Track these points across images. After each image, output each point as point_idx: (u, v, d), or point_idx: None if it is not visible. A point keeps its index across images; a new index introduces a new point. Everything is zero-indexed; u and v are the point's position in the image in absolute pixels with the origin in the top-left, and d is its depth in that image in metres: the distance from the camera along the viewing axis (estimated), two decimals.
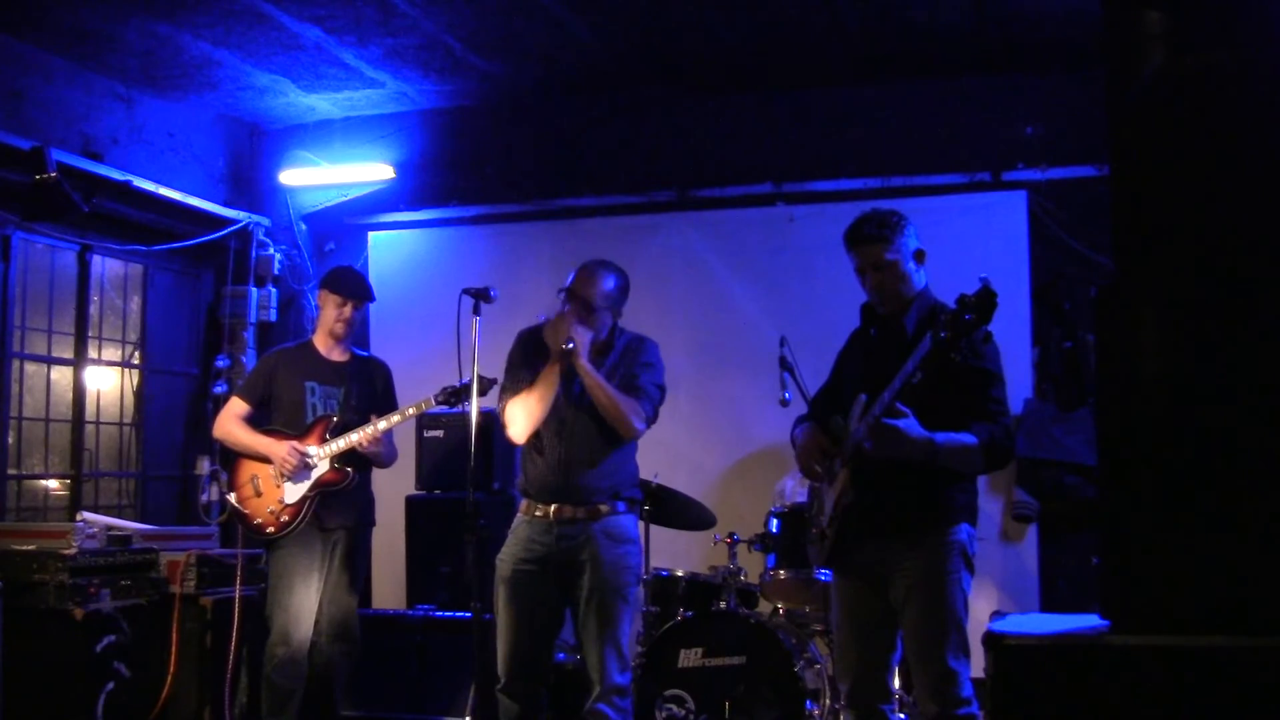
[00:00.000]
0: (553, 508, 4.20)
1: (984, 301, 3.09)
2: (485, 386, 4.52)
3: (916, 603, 3.52)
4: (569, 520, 4.18)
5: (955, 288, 3.24)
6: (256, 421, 5.05)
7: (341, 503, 4.96)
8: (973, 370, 3.45)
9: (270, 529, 4.90)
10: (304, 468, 4.89)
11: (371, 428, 4.84)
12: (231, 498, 5.00)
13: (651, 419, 4.27)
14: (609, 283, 4.27)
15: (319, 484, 4.89)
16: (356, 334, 5.37)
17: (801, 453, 3.80)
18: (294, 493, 4.89)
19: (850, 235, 3.74)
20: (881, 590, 3.61)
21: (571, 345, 4.10)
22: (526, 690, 4.23)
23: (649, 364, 4.33)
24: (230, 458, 5.13)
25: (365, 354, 5.30)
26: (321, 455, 4.90)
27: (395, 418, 4.88)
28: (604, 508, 4.21)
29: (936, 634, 3.48)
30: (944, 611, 3.49)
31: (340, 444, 4.89)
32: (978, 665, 3.08)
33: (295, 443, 4.90)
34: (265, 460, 4.93)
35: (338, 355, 5.11)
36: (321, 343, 5.11)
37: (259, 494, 4.94)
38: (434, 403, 4.77)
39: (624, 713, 4.16)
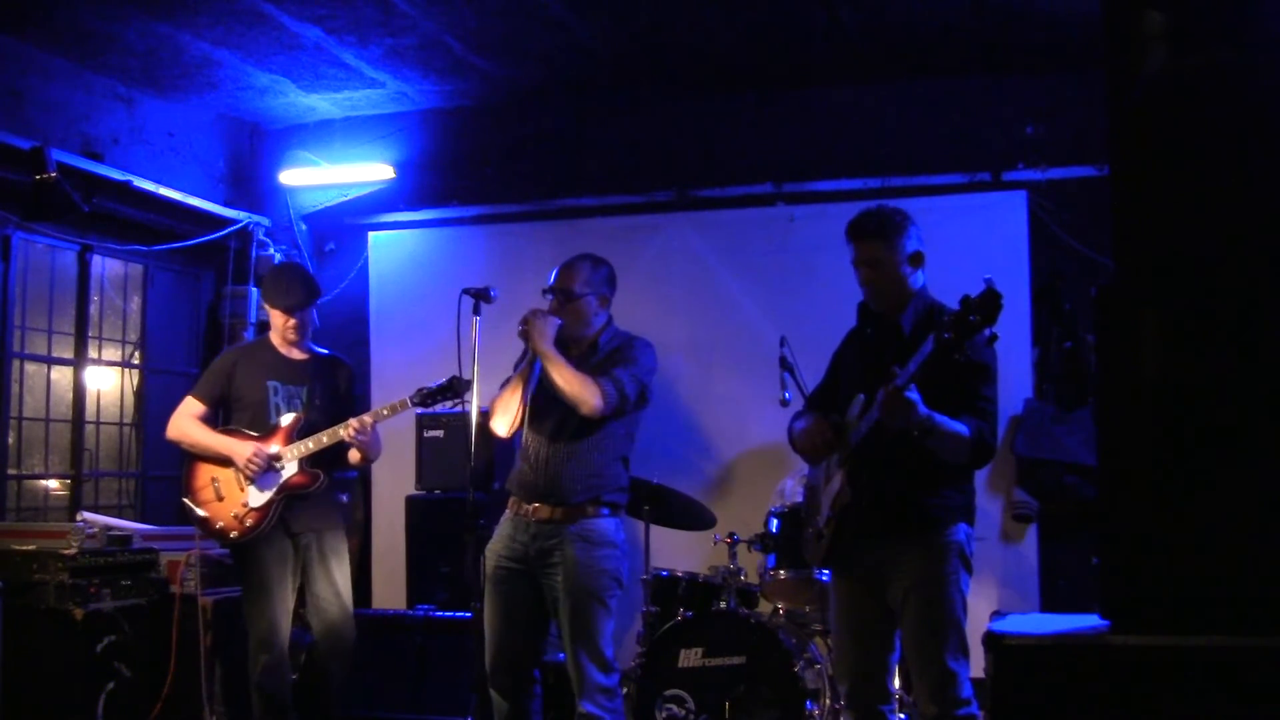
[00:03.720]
0: (533, 507, 4.25)
1: (989, 303, 3.08)
2: (462, 388, 4.49)
3: (915, 604, 3.52)
4: (546, 520, 4.22)
5: (955, 287, 3.24)
6: (213, 422, 4.91)
7: (308, 507, 4.83)
8: (970, 365, 3.47)
9: (234, 533, 4.74)
10: (269, 470, 4.76)
11: (353, 423, 4.70)
12: (188, 501, 4.84)
13: (615, 402, 4.17)
14: (586, 268, 4.34)
15: (286, 487, 4.76)
16: (335, 333, 5.29)
17: (804, 435, 3.77)
18: (259, 496, 4.74)
19: (851, 227, 3.75)
20: (879, 592, 3.61)
21: (523, 328, 4.20)
22: (512, 685, 4.26)
23: (627, 358, 4.29)
24: (185, 459, 4.94)
25: (326, 352, 5.12)
26: (290, 457, 4.77)
27: (368, 418, 4.73)
28: (581, 510, 4.22)
29: (935, 635, 3.48)
30: (943, 613, 3.49)
31: (309, 444, 4.75)
32: (977, 665, 3.09)
33: (259, 444, 4.76)
34: (224, 462, 4.79)
35: (298, 354, 4.96)
36: (279, 342, 4.97)
37: (220, 497, 4.78)
38: (409, 404, 4.70)
39: (613, 712, 4.19)
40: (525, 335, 4.22)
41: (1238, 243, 2.73)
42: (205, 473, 4.83)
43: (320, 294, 5.07)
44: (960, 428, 3.44)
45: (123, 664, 4.87)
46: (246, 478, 4.74)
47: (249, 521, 4.73)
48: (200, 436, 4.84)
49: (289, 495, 4.77)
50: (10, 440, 5.76)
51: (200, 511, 4.80)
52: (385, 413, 4.77)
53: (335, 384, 5.00)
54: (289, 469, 4.76)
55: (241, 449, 4.75)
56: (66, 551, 4.76)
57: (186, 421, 4.88)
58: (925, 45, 5.78)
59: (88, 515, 5.21)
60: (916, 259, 3.71)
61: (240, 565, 4.84)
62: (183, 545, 5.37)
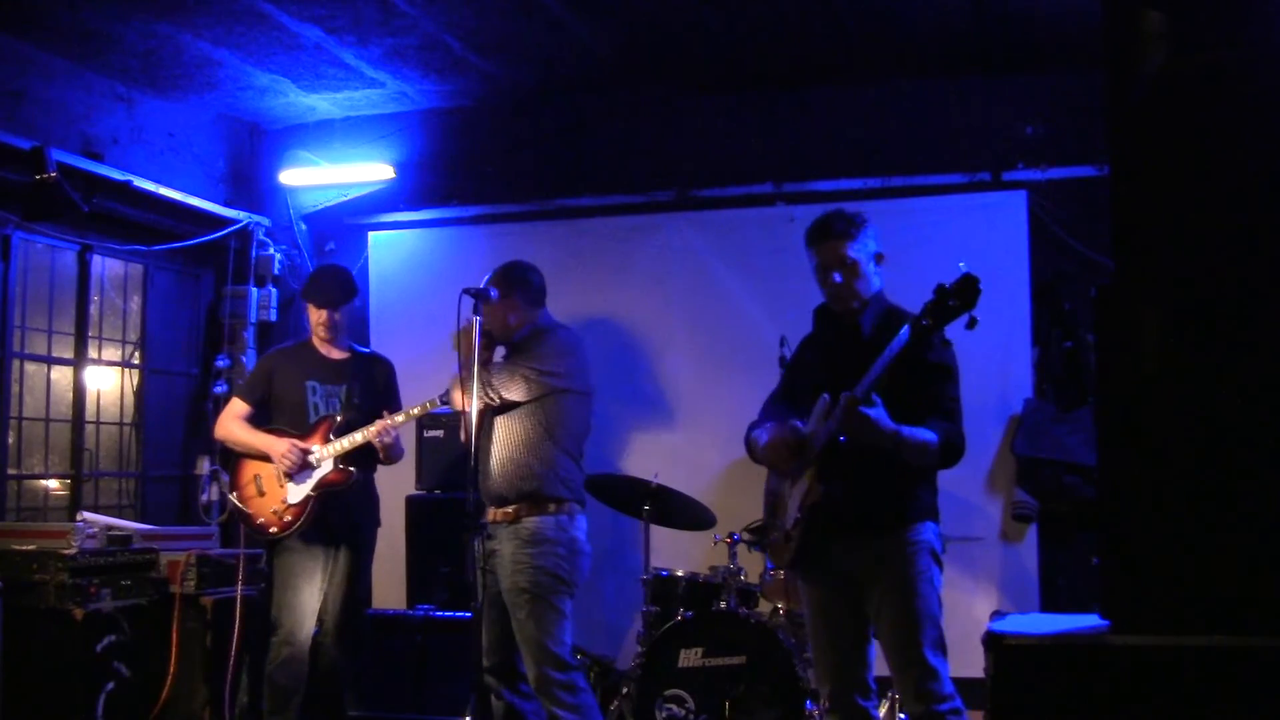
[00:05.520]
0: (489, 511, 4.43)
1: (967, 287, 3.10)
2: None
3: (891, 605, 3.55)
4: (493, 523, 4.41)
5: None
6: (257, 422, 5.06)
7: (345, 503, 4.96)
8: (932, 366, 3.48)
9: (274, 529, 4.90)
10: (306, 467, 4.89)
11: (378, 424, 4.84)
12: (233, 497, 5.01)
13: (492, 392, 4.36)
14: (498, 274, 4.53)
15: (322, 484, 4.90)
16: (355, 332, 5.40)
17: (770, 448, 3.74)
18: (297, 493, 4.89)
19: (816, 232, 3.77)
20: (853, 594, 3.63)
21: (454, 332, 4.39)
22: (496, 682, 4.39)
23: (521, 351, 4.48)
24: (231, 458, 5.13)
25: (367, 351, 5.32)
26: (326, 455, 4.89)
27: (399, 418, 4.88)
28: (518, 510, 4.37)
29: (915, 634, 3.50)
30: (919, 611, 3.52)
31: (344, 443, 4.88)
32: (976, 665, 3.08)
33: (296, 440, 4.91)
34: (267, 459, 4.94)
35: (337, 354, 5.13)
36: (319, 342, 5.13)
37: (262, 494, 4.95)
38: (439, 403, 4.78)
39: (575, 709, 4.27)
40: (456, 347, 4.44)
41: (1238, 242, 2.73)
42: (249, 470, 5.00)
43: (356, 295, 5.24)
44: (927, 436, 3.46)
45: (123, 664, 4.87)
46: (284, 473, 4.87)
47: (288, 517, 4.89)
48: (243, 435, 5.01)
49: (326, 492, 4.88)
50: (10, 440, 5.75)
51: (244, 508, 4.97)
52: (415, 411, 4.91)
53: (374, 382, 5.13)
54: (325, 466, 4.89)
55: (279, 446, 4.90)
56: (66, 551, 4.77)
57: (231, 421, 5.07)
58: (925, 45, 5.78)
59: (88, 515, 5.21)
60: (879, 259, 3.74)
61: (273, 560, 4.98)
62: (183, 545, 5.38)
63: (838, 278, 3.70)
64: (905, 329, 3.24)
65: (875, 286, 3.75)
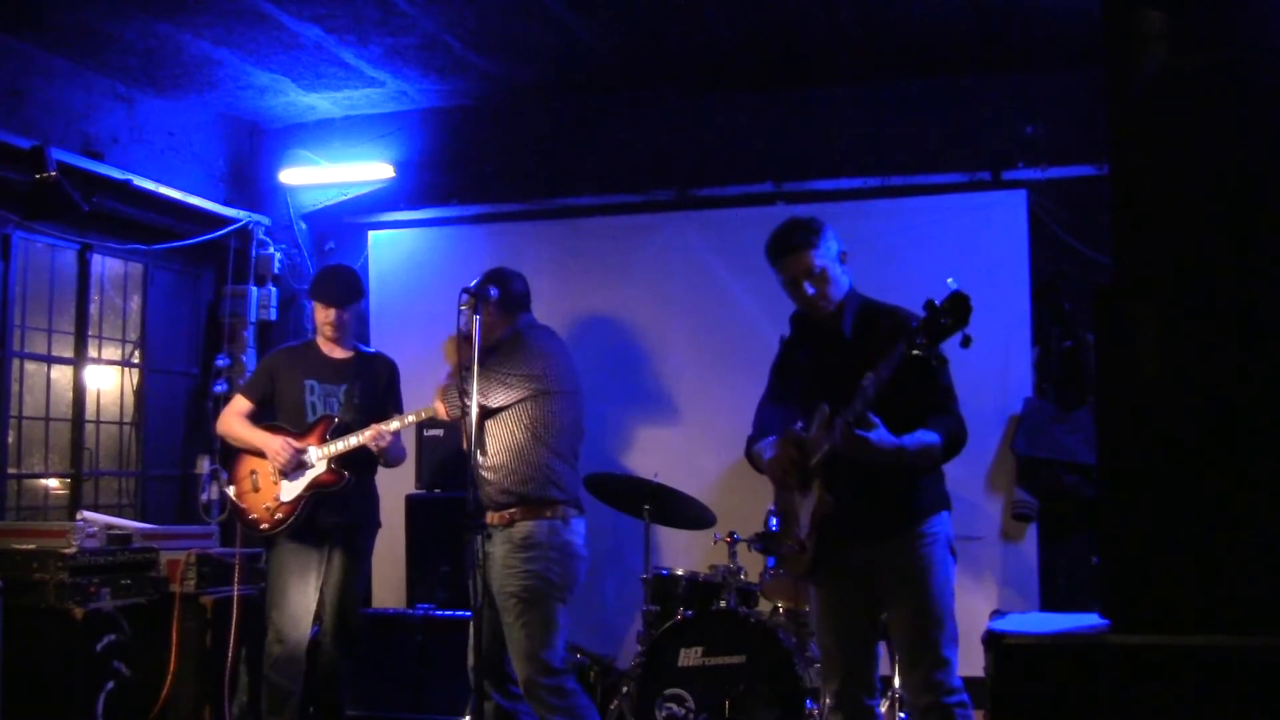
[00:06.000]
0: (488, 514, 4.43)
1: (958, 305, 3.04)
2: None
3: (907, 598, 3.55)
4: (491, 526, 4.41)
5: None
6: (261, 420, 5.09)
7: (339, 504, 4.96)
8: (923, 363, 3.46)
9: (265, 525, 4.93)
10: (300, 465, 4.89)
11: (372, 430, 4.84)
12: (230, 492, 5.05)
13: (468, 400, 4.40)
14: (480, 279, 4.51)
15: (314, 485, 4.91)
16: (358, 332, 5.40)
17: (774, 464, 3.73)
18: (289, 491, 4.91)
19: (776, 247, 3.71)
20: (864, 589, 3.63)
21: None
22: (490, 682, 4.41)
23: (498, 357, 4.45)
24: (231, 453, 5.18)
25: (370, 351, 5.32)
26: (319, 456, 4.90)
27: (395, 424, 4.88)
28: (511, 515, 4.38)
29: (931, 625, 3.51)
30: (934, 603, 3.53)
31: (338, 446, 4.88)
32: (976, 665, 3.08)
33: (290, 438, 4.91)
34: (264, 455, 4.96)
35: (340, 353, 5.13)
36: (323, 342, 5.13)
37: (257, 489, 4.98)
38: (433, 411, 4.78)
39: (563, 711, 4.29)
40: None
41: (1237, 242, 2.74)
42: (247, 465, 5.05)
43: (362, 295, 5.26)
44: (931, 439, 3.45)
45: (123, 664, 4.87)
46: (277, 470, 4.90)
47: (279, 515, 4.92)
48: (241, 431, 5.05)
49: (319, 493, 4.90)
50: (10, 439, 5.75)
51: (239, 503, 5.02)
52: (410, 419, 4.93)
53: (375, 383, 5.14)
54: (318, 467, 4.90)
55: (273, 441, 4.93)
56: (66, 551, 4.77)
57: (231, 417, 5.13)
58: (925, 45, 5.78)
59: (88, 514, 5.22)
60: (844, 258, 3.73)
61: (267, 558, 5.04)
62: (182, 544, 5.39)
63: (810, 289, 3.67)
64: (898, 350, 3.17)
65: (846, 286, 3.73)
